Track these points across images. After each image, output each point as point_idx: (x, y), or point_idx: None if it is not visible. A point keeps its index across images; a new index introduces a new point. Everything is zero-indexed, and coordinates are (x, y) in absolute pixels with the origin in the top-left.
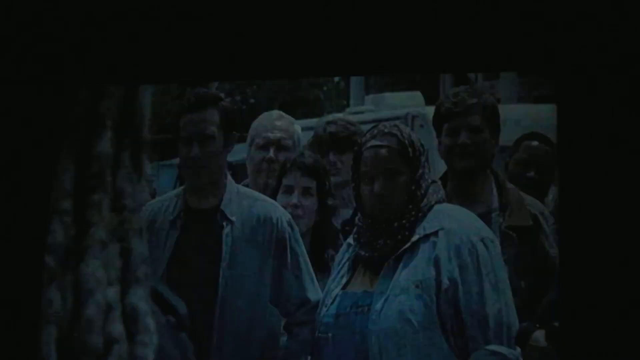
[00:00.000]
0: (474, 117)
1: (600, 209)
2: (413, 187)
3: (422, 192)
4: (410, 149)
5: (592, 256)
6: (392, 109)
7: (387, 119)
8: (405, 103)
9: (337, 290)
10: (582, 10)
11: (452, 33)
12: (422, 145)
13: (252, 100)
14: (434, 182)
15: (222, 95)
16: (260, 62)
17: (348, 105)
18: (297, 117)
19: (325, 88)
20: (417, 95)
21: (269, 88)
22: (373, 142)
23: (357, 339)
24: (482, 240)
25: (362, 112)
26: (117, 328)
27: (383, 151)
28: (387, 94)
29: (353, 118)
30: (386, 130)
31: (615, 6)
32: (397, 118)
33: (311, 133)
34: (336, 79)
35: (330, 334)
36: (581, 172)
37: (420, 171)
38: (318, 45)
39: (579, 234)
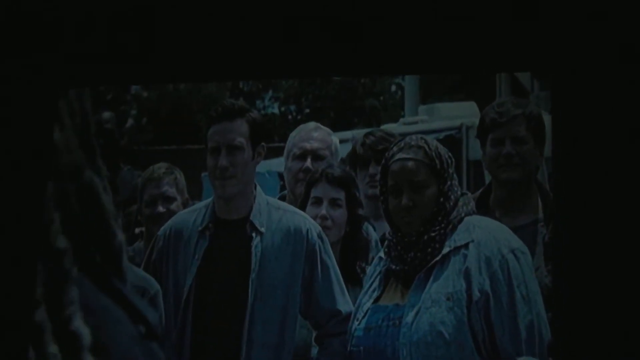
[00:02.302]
0: (519, 128)
1: (598, 214)
2: (441, 199)
3: (451, 204)
4: (437, 161)
5: (590, 260)
6: (445, 120)
7: (441, 130)
8: (459, 113)
9: (369, 304)
10: (580, 9)
11: (447, 33)
12: (449, 157)
13: (307, 110)
14: (463, 194)
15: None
16: (260, 60)
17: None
18: (353, 127)
19: (381, 98)
20: (472, 106)
21: (325, 97)
22: (400, 155)
23: (389, 352)
24: (512, 251)
25: (415, 123)
26: (52, 348)
27: (410, 164)
28: (441, 104)
29: (407, 128)
30: (413, 142)
31: (616, 6)
32: (451, 128)
33: (348, 145)
34: (393, 88)
35: (362, 348)
36: (577, 175)
37: (449, 183)
38: (316, 45)
39: (576, 239)
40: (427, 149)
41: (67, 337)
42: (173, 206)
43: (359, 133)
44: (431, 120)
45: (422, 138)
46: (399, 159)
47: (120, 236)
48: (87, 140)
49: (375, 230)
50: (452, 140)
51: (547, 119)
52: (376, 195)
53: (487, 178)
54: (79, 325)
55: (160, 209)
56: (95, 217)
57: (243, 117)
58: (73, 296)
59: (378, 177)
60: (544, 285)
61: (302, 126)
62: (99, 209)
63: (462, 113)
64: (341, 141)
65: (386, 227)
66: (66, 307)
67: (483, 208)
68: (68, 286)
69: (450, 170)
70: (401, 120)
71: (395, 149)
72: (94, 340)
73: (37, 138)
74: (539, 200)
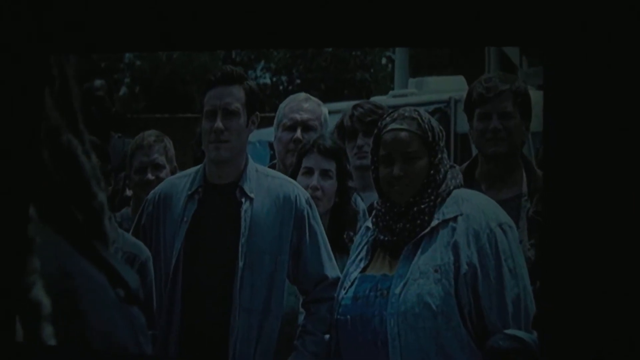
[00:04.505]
0: (506, 103)
1: (586, 199)
2: (432, 172)
3: (441, 176)
4: (430, 134)
5: (575, 243)
6: (434, 93)
7: (430, 103)
8: (448, 87)
9: (356, 274)
10: None
11: (443, 9)
12: (441, 130)
13: (298, 81)
14: (452, 167)
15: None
16: (260, 31)
17: (394, 88)
18: (343, 99)
19: (372, 70)
20: (460, 80)
21: (316, 69)
22: (393, 126)
23: (376, 322)
24: (500, 225)
25: (405, 95)
26: None
27: (403, 134)
28: (430, 78)
29: (396, 101)
30: (406, 114)
31: None
32: (440, 102)
33: (338, 116)
34: (383, 61)
35: (349, 317)
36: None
37: (440, 156)
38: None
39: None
40: (421, 121)
41: (27, 306)
42: (162, 174)
43: (350, 105)
44: (420, 94)
45: (415, 110)
46: (392, 129)
47: (102, 197)
48: (67, 105)
49: (362, 201)
50: (441, 113)
51: (534, 94)
52: (363, 166)
53: (475, 151)
54: (39, 294)
55: (150, 176)
56: (73, 179)
57: (241, 84)
58: (34, 265)
59: (366, 148)
60: (526, 258)
61: (292, 97)
62: (77, 171)
63: (451, 87)
64: (331, 112)
65: (373, 198)
66: (26, 275)
67: (469, 181)
68: (29, 255)
69: (442, 143)
70: (390, 92)
71: (388, 119)
72: (70, 305)
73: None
74: (524, 174)
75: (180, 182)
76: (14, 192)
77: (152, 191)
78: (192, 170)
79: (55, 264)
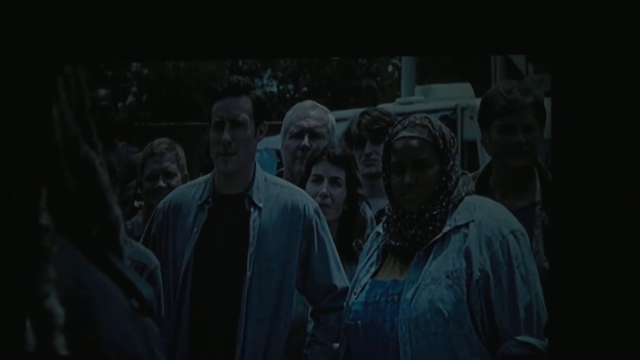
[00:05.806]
0: (529, 116)
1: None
2: (444, 179)
3: (453, 183)
4: (440, 141)
5: (582, 248)
6: (441, 100)
7: (437, 110)
8: (454, 94)
9: (366, 279)
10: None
11: (448, 17)
12: (452, 137)
13: (305, 89)
14: (463, 173)
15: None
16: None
17: (400, 95)
18: (349, 106)
19: (378, 78)
20: (467, 87)
21: (322, 77)
22: (404, 133)
23: (387, 328)
24: (512, 232)
25: (411, 103)
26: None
27: (414, 142)
28: (437, 85)
29: (403, 108)
30: (417, 121)
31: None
32: (447, 109)
33: (345, 124)
34: (389, 69)
35: (359, 322)
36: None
37: (451, 163)
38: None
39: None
40: (432, 128)
41: (40, 315)
42: (173, 182)
43: (357, 113)
44: (427, 101)
45: (426, 117)
46: (403, 137)
47: (117, 210)
48: (83, 116)
49: (370, 208)
50: (447, 120)
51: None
52: (372, 174)
53: (481, 158)
54: (54, 304)
55: (161, 183)
56: (90, 191)
57: (248, 94)
58: (49, 275)
59: (374, 155)
60: (542, 269)
61: (298, 104)
62: (94, 183)
63: (457, 94)
64: (337, 120)
65: (381, 205)
66: (41, 285)
67: (483, 189)
68: (45, 264)
69: (453, 150)
70: (397, 100)
71: (399, 126)
72: (84, 315)
73: (27, 116)
74: (538, 182)
75: (190, 191)
76: (27, 199)
77: (162, 201)
78: (202, 179)
79: (70, 274)
